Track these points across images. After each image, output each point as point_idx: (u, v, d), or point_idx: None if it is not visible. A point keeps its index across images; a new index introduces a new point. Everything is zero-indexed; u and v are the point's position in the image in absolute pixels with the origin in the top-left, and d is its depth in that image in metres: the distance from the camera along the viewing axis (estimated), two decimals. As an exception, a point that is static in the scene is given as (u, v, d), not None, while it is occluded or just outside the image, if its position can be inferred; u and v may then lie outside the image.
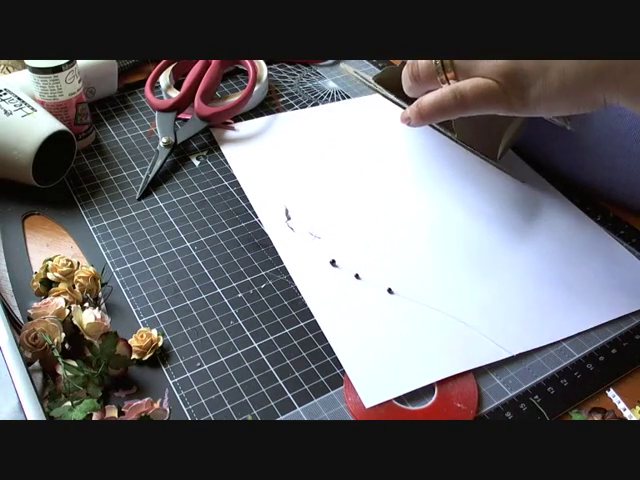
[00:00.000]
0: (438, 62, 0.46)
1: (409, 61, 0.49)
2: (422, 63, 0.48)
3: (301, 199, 0.57)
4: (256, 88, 0.67)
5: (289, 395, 0.42)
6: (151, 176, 0.56)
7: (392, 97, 0.57)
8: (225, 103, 0.63)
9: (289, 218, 0.55)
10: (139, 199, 0.56)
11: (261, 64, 0.70)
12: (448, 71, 0.46)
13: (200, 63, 0.64)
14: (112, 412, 0.40)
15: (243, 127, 0.65)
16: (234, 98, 0.62)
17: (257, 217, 0.55)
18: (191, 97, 0.62)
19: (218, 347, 0.45)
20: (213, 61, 0.64)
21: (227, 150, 0.62)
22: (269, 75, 0.73)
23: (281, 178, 0.59)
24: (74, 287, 0.46)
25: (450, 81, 0.46)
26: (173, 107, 0.61)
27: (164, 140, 0.59)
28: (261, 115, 0.67)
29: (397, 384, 0.42)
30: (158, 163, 0.57)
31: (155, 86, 0.67)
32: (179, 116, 0.63)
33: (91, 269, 0.47)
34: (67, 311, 0.43)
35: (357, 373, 0.43)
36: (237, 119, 0.66)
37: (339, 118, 0.66)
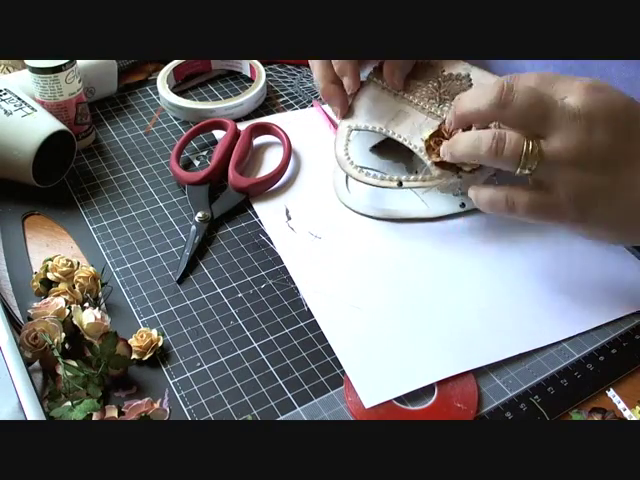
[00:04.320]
0: (527, 150, 0.40)
1: (498, 132, 0.42)
2: (512, 143, 0.41)
3: (301, 199, 0.57)
4: (255, 91, 0.66)
5: (289, 395, 0.42)
6: (189, 254, 0.51)
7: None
8: (261, 174, 0.59)
9: (289, 218, 0.55)
10: (178, 281, 0.49)
11: (259, 68, 0.70)
12: (530, 167, 0.41)
13: (230, 132, 0.61)
14: (112, 412, 0.40)
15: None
16: (270, 168, 0.58)
17: (257, 217, 0.55)
18: (223, 168, 0.58)
19: (218, 347, 0.45)
20: (243, 130, 0.61)
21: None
22: (269, 75, 0.73)
23: (281, 178, 0.59)
24: (74, 287, 0.46)
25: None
26: (204, 180, 0.57)
27: (200, 215, 0.54)
28: (261, 115, 0.67)
29: (397, 384, 0.42)
30: (196, 240, 0.52)
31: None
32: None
33: (91, 269, 0.47)
34: (67, 311, 0.43)
35: (357, 373, 0.43)
36: (237, 120, 0.66)
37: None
